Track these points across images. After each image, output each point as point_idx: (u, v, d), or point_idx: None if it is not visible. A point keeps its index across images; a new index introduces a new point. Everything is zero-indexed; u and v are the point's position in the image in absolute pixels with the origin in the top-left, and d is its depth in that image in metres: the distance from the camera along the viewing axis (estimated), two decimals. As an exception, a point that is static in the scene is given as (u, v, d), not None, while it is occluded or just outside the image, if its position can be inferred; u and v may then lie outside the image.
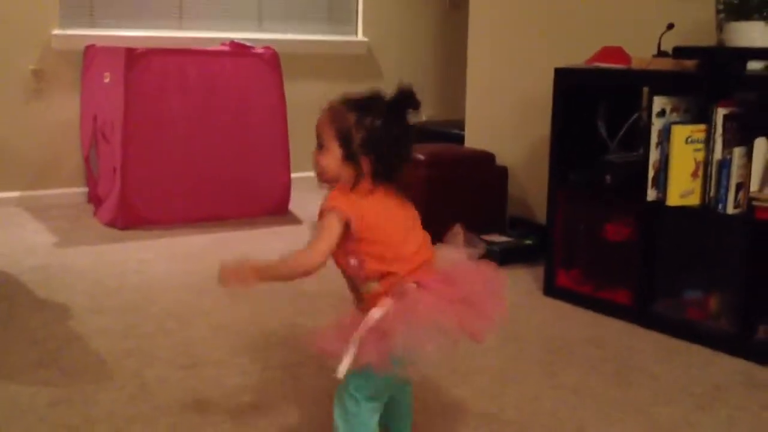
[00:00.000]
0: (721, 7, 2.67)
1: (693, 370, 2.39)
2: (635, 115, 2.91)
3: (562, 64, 2.96)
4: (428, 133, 4.78)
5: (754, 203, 2.45)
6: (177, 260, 3.36)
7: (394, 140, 1.60)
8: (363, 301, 1.62)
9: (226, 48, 4.33)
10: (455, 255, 1.68)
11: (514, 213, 3.78)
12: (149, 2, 4.53)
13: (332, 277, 1.69)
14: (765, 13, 2.56)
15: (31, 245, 3.52)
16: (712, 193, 2.54)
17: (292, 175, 4.18)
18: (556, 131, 2.96)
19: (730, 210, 2.50)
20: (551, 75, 2.94)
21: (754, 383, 2.31)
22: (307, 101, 4.82)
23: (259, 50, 4.19)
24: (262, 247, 3.53)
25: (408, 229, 1.65)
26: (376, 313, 1.55)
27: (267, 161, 4.16)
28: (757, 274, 2.46)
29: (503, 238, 3.50)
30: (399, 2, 5.31)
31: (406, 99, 1.60)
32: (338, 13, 5.17)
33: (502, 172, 3.76)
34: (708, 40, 2.79)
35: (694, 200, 2.59)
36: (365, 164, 1.59)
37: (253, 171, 4.11)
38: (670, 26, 2.85)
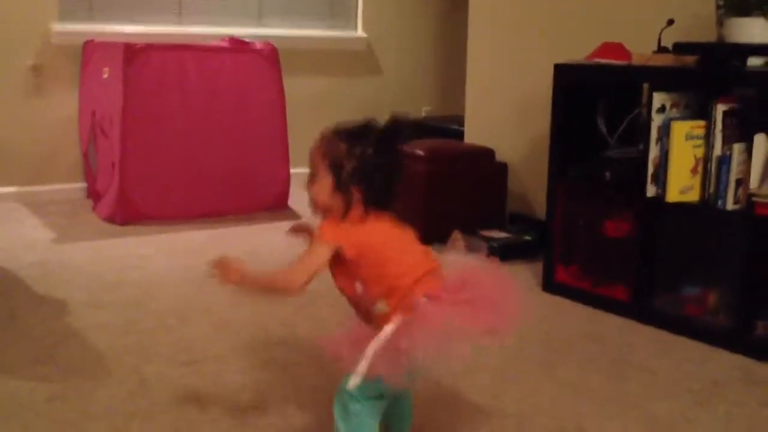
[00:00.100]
0: (721, 3, 2.67)
1: (691, 365, 2.39)
2: (635, 111, 2.90)
3: (562, 60, 2.95)
4: (427, 128, 4.78)
5: (754, 199, 2.45)
6: (176, 256, 3.36)
7: (385, 170, 1.62)
8: (374, 321, 1.63)
9: (225, 44, 4.32)
10: (461, 259, 1.70)
11: (514, 209, 3.78)
12: (148, -3, 4.53)
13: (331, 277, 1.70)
14: (765, 9, 2.56)
15: (30, 241, 3.52)
16: (711, 190, 2.54)
17: (291, 171, 4.18)
18: (556, 127, 2.96)
19: (730, 206, 2.50)
20: (551, 71, 2.93)
21: (753, 379, 2.31)
22: (306, 97, 4.88)
23: (259, 46, 4.19)
24: (261, 242, 3.53)
25: (405, 244, 1.67)
26: (388, 329, 1.57)
27: (266, 156, 4.16)
28: (756, 270, 2.46)
29: (502, 234, 3.50)
30: (398, -2, 5.31)
31: (397, 129, 1.63)
32: (338, 9, 5.16)
33: (502, 168, 3.75)
34: (708, 36, 2.79)
35: (693, 196, 2.59)
36: (357, 193, 1.61)
37: (253, 166, 4.11)
38: (670, 22, 2.84)
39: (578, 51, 3.03)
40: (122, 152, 3.77)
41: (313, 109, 4.82)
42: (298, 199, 4.14)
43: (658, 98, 2.60)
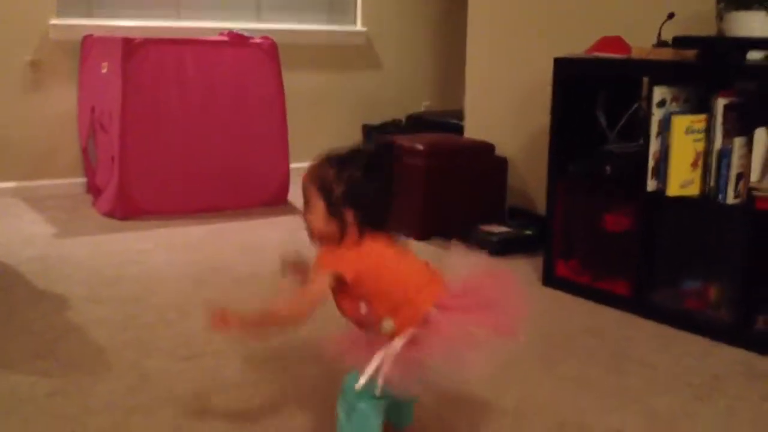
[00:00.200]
0: (721, -4, 2.66)
1: (692, 360, 2.39)
2: (635, 105, 2.90)
3: (561, 54, 2.95)
4: (427, 123, 4.78)
5: (754, 193, 2.44)
6: (176, 251, 3.36)
7: (375, 192, 1.66)
8: (381, 340, 1.64)
9: (224, 38, 4.31)
10: (463, 263, 1.73)
11: (514, 203, 3.78)
12: (147, -8, 4.52)
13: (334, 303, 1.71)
14: (765, 3, 2.55)
15: (29, 236, 3.52)
16: (712, 184, 2.54)
17: (291, 166, 4.17)
18: (556, 121, 2.96)
19: (730, 200, 2.49)
20: (551, 65, 2.92)
21: (754, 373, 2.31)
22: (305, 91, 4.87)
23: (258, 40, 4.18)
24: (260, 237, 3.53)
25: (403, 260, 1.70)
26: (398, 342, 1.58)
27: (265, 151, 4.15)
28: (756, 264, 2.45)
29: (502, 229, 3.50)
30: (398, -8, 5.30)
31: (384, 152, 1.70)
32: (337, 3, 5.15)
33: (502, 163, 3.75)
34: (708, 29, 2.79)
35: (694, 190, 2.59)
36: (349, 217, 1.63)
37: (252, 161, 4.10)
38: (671, 16, 2.83)
39: (578, 45, 3.02)
40: (121, 147, 3.77)
41: (313, 104, 4.82)
42: (298, 194, 4.13)
43: (659, 92, 2.59)
